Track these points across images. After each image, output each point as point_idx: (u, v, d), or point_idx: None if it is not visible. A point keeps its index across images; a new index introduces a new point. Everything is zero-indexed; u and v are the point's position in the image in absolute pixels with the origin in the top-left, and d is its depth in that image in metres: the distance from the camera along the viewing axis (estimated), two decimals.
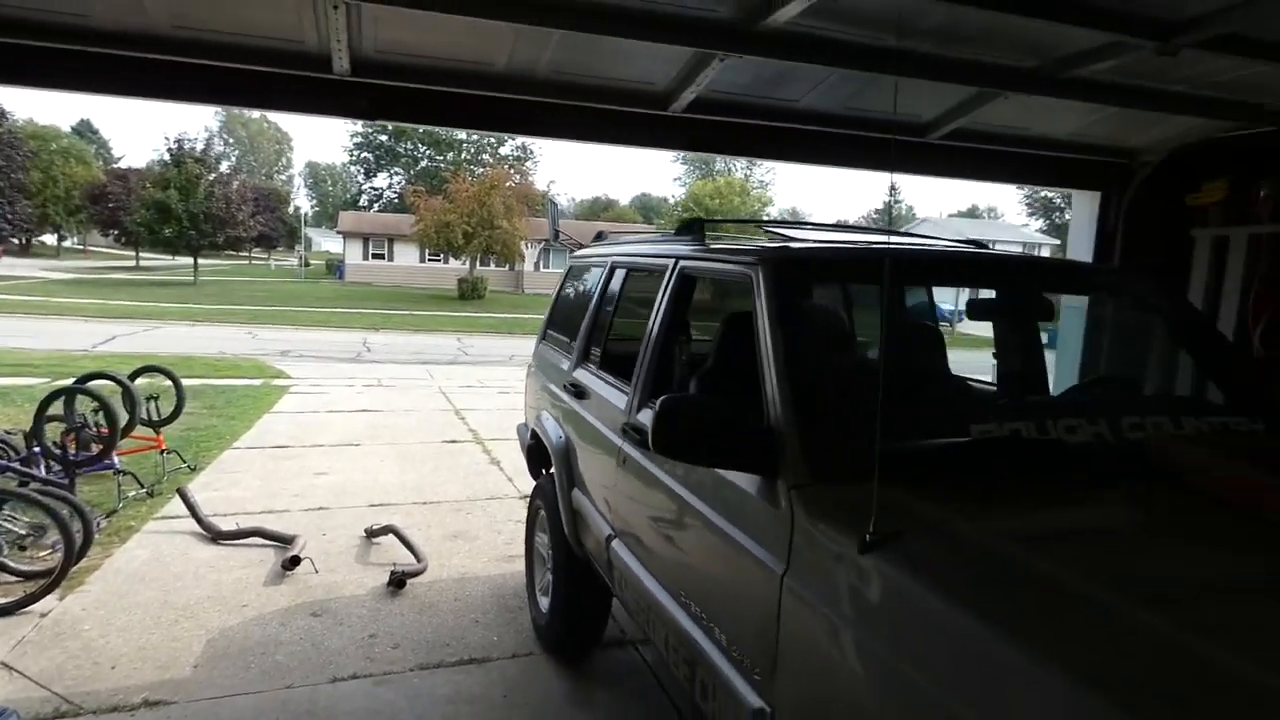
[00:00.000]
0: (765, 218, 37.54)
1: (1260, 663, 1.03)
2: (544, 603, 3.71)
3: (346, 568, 4.61)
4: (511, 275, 39.16)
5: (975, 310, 2.83)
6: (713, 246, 2.53)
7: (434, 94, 3.15)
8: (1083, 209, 4.32)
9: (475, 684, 3.34)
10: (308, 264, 50.73)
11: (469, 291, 33.88)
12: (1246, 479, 1.54)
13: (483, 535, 5.31)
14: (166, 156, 36.55)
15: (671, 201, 45.85)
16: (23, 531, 4.17)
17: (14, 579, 4.07)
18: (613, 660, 3.63)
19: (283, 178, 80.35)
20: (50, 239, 55.97)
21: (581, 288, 3.84)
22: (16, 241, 45.52)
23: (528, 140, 54.45)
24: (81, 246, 59.73)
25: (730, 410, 1.75)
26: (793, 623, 1.55)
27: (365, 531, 5.12)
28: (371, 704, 3.15)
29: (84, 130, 66.53)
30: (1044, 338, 2.95)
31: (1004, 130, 3.66)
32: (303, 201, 69.71)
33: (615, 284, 3.26)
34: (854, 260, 2.30)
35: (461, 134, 55.44)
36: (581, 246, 8.96)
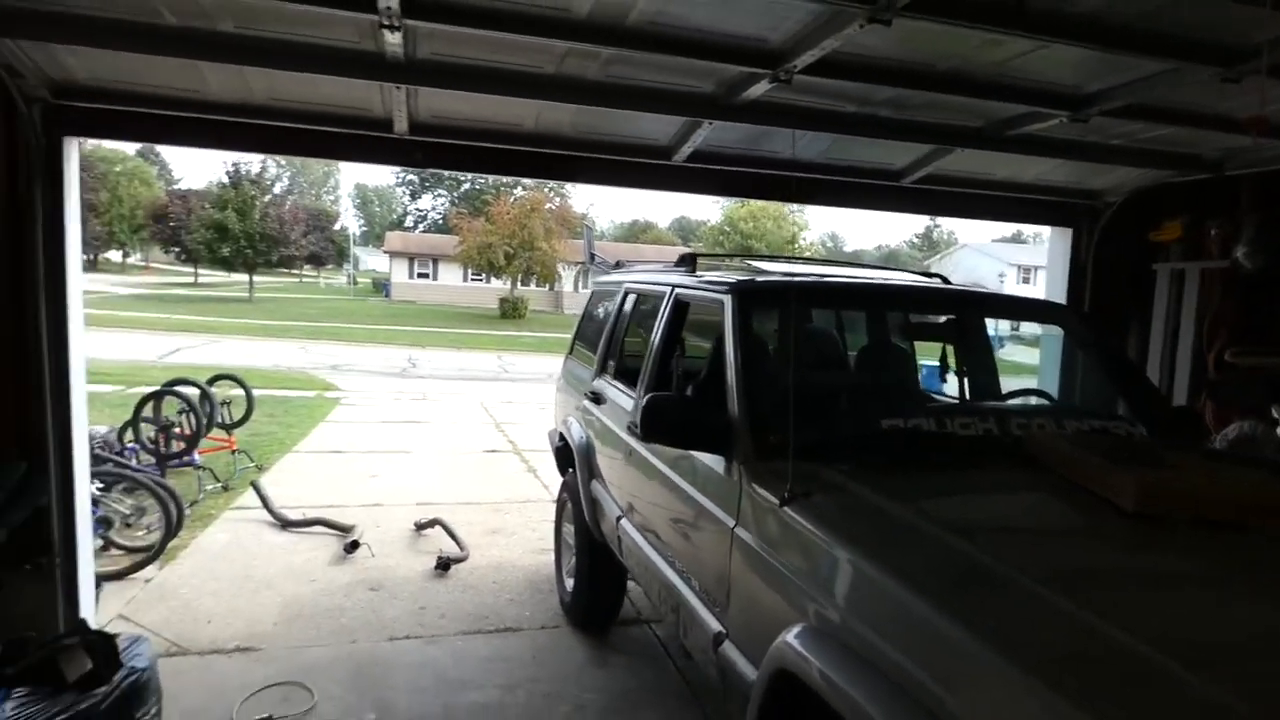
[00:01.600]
0: (800, 242, 37.88)
1: (1003, 561, 1.58)
2: (569, 584, 4.28)
3: (399, 554, 5.24)
4: (551, 295, 40.14)
5: (912, 332, 3.41)
6: (702, 276, 3.12)
7: (476, 148, 3.80)
8: (1058, 243, 4.78)
9: (509, 647, 3.93)
10: (356, 282, 52.52)
11: (510, 311, 34.88)
12: (1085, 459, 2.04)
13: (519, 531, 5.91)
14: (225, 179, 38.45)
15: (710, 224, 46.62)
16: (127, 512, 4.89)
17: (121, 552, 4.79)
18: (628, 635, 4.18)
19: (331, 198, 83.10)
20: (116, 256, 58.90)
21: (602, 309, 4.44)
22: (86, 258, 48.12)
23: None
24: (144, 263, 62.62)
25: (699, 407, 2.32)
26: (739, 561, 2.11)
27: (414, 524, 5.75)
28: (422, 659, 3.75)
29: (146, 153, 69.86)
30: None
31: (972, 176, 4.18)
32: (350, 222, 72.05)
33: (628, 306, 3.86)
34: (798, 290, 2.86)
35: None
36: (613, 268, 9.56)
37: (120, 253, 58.14)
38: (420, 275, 42.68)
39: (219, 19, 2.68)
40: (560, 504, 4.51)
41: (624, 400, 3.40)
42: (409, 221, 62.41)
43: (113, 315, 25.49)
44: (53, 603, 3.34)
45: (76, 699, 2.57)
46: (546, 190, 39.23)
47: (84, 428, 3.58)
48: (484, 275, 37.92)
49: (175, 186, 56.36)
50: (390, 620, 4.16)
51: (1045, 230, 5.19)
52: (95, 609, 3.71)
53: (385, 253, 45.43)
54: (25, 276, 3.28)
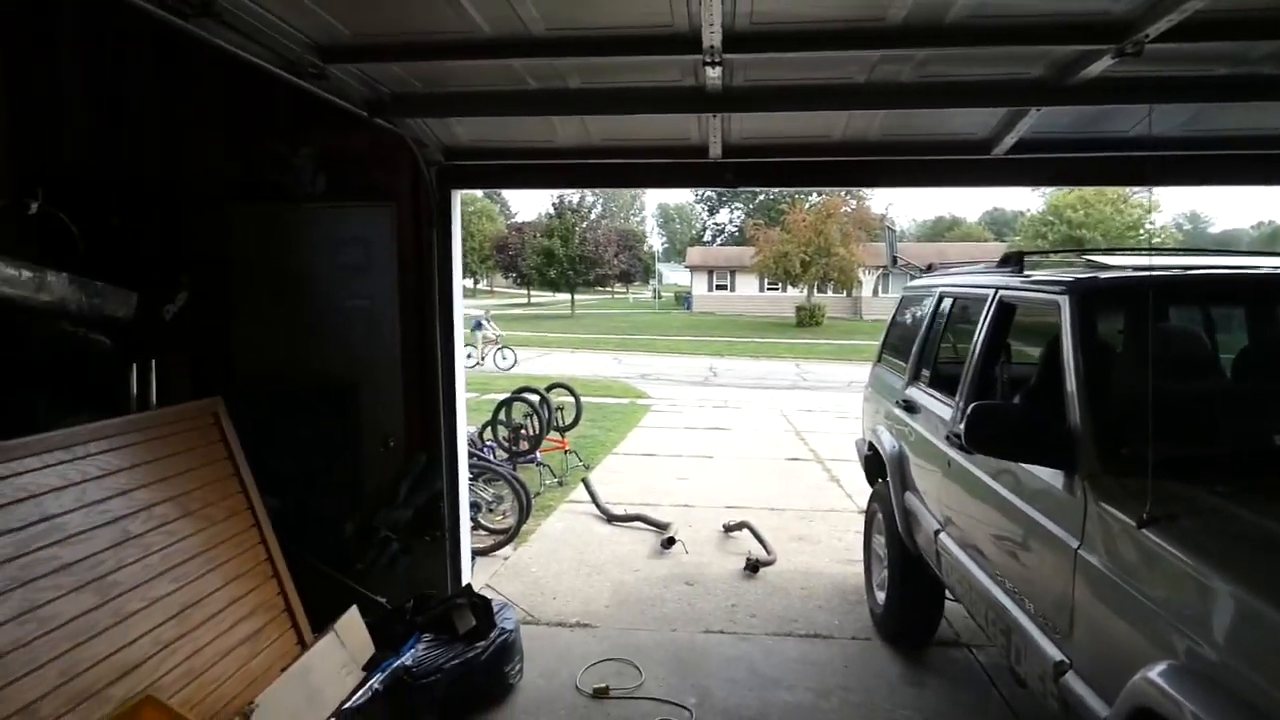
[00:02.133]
0: (1148, 226, 32.38)
1: None
2: (880, 596, 4.19)
3: (710, 552, 5.54)
4: (849, 302, 39.14)
5: None
6: (1030, 276, 2.88)
7: (784, 164, 3.92)
8: None
9: (819, 653, 3.96)
10: (660, 296, 56.11)
11: (806, 319, 34.68)
12: None
13: (824, 540, 5.90)
14: (551, 210, 43.66)
15: (1029, 214, 41.87)
16: (489, 499, 5.82)
17: (485, 532, 5.71)
18: (946, 656, 3.97)
19: (637, 219, 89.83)
20: (469, 282, 70.02)
21: (913, 315, 4.29)
22: None
23: None
24: (489, 288, 73.48)
25: (1034, 415, 2.16)
26: (1084, 587, 1.92)
27: (723, 526, 6.03)
28: (735, 653, 3.94)
29: (491, 195, 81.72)
30: None
31: None
32: (654, 240, 77.23)
33: (943, 311, 3.69)
34: (1152, 286, 2.48)
35: None
36: (923, 271, 9.17)
37: (471, 280, 68.64)
38: (719, 287, 44.32)
39: (569, 77, 3.13)
40: (870, 515, 4.43)
41: (941, 409, 3.26)
42: (707, 236, 65.22)
43: (467, 334, 30.17)
44: (442, 569, 4.11)
45: (464, 649, 3.15)
46: (843, 194, 38.38)
47: (464, 427, 4.35)
48: (780, 284, 38.22)
49: (513, 220, 65.16)
50: (705, 614, 4.42)
51: None
52: (471, 577, 4.48)
53: (686, 267, 47.98)
54: (425, 303, 4.10)
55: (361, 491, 4.08)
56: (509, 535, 5.45)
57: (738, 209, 62.62)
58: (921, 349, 3.81)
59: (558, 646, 3.95)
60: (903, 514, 3.70)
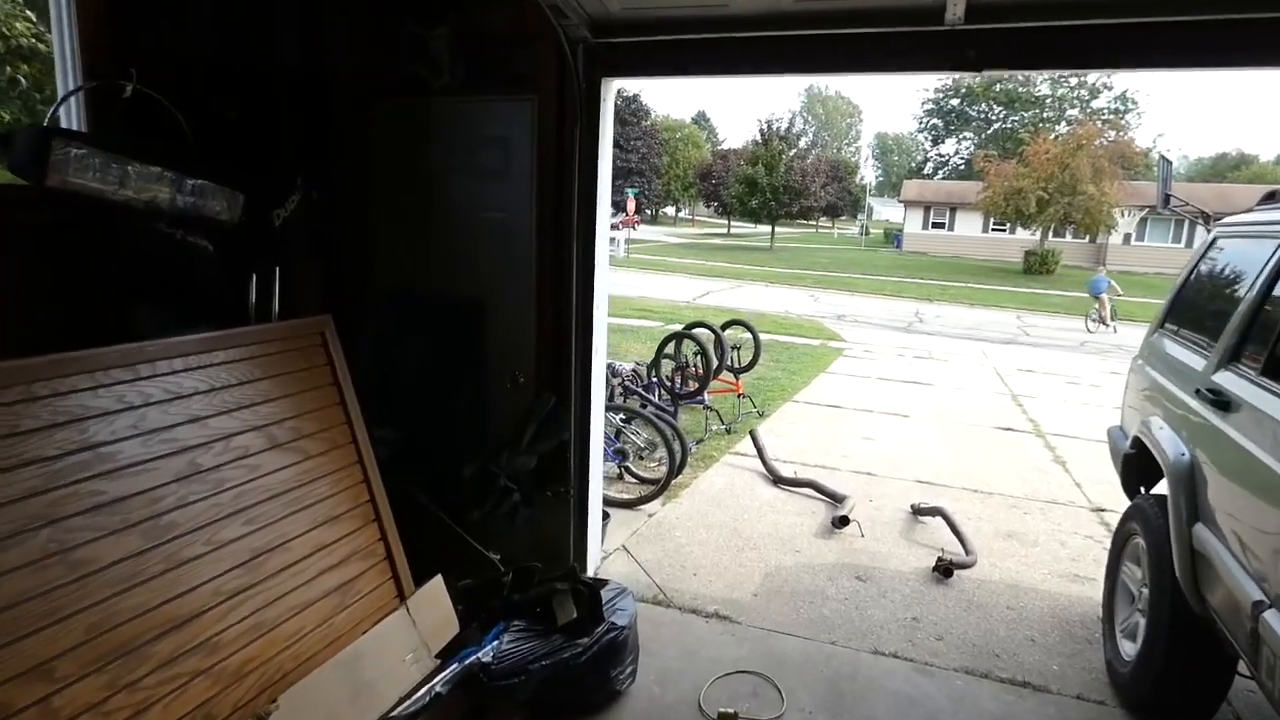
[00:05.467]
0: None
1: None
2: (1127, 648, 3.07)
3: (892, 540, 4.58)
4: (1092, 248, 34.04)
5: None
6: None
7: (1046, 31, 2.71)
8: None
9: (1029, 712, 2.96)
10: (867, 232, 52.59)
11: (1036, 265, 30.65)
12: None
13: (1042, 542, 4.71)
14: (758, 137, 41.66)
15: None
16: (642, 444, 5.21)
17: (634, 481, 5.13)
18: None
19: (851, 149, 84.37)
20: (670, 210, 69.68)
21: (1232, 267, 2.96)
22: (649, 212, 57.85)
23: (1131, 88, 46.14)
24: (690, 217, 72.89)
25: None
26: None
27: (911, 508, 5.02)
28: (911, 690, 3.04)
29: (699, 120, 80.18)
30: None
31: None
32: (868, 172, 72.19)
33: None
34: None
35: (1045, 89, 49.91)
36: (1204, 215, 7.14)
37: (674, 208, 68.50)
38: (935, 225, 40.48)
39: None
40: (1124, 536, 3.26)
41: None
42: (929, 169, 59.58)
43: (663, 261, 29.96)
44: (565, 529, 3.55)
45: (560, 645, 2.55)
46: (1099, 123, 32.97)
47: (602, 365, 3.70)
48: (1008, 225, 34.01)
49: (719, 148, 63.63)
50: (876, 625, 3.54)
51: None
52: (602, 539, 3.90)
53: (900, 202, 44.24)
54: (564, 217, 3.43)
55: (484, 430, 3.58)
56: (659, 488, 4.83)
57: (967, 139, 56.37)
58: (1251, 319, 2.54)
59: (687, 642, 3.27)
60: (1187, 554, 2.55)
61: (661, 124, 54.08)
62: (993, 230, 36.67)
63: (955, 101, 55.63)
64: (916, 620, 3.61)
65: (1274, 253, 2.55)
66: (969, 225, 38.17)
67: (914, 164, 64.77)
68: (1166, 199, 7.23)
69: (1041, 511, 5.27)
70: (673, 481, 4.93)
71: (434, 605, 2.60)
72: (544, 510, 3.50)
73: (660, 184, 50.63)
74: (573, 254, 3.46)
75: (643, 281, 21.33)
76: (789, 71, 3.28)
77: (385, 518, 3.00)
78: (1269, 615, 1.96)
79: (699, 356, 6.52)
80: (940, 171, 57.60)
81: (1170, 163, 9.17)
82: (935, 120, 58.69)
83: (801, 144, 49.04)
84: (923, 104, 59.35)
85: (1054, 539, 4.78)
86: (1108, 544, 4.49)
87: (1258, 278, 2.58)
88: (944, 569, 4.09)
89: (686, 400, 6.44)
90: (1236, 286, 2.78)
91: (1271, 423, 2.16)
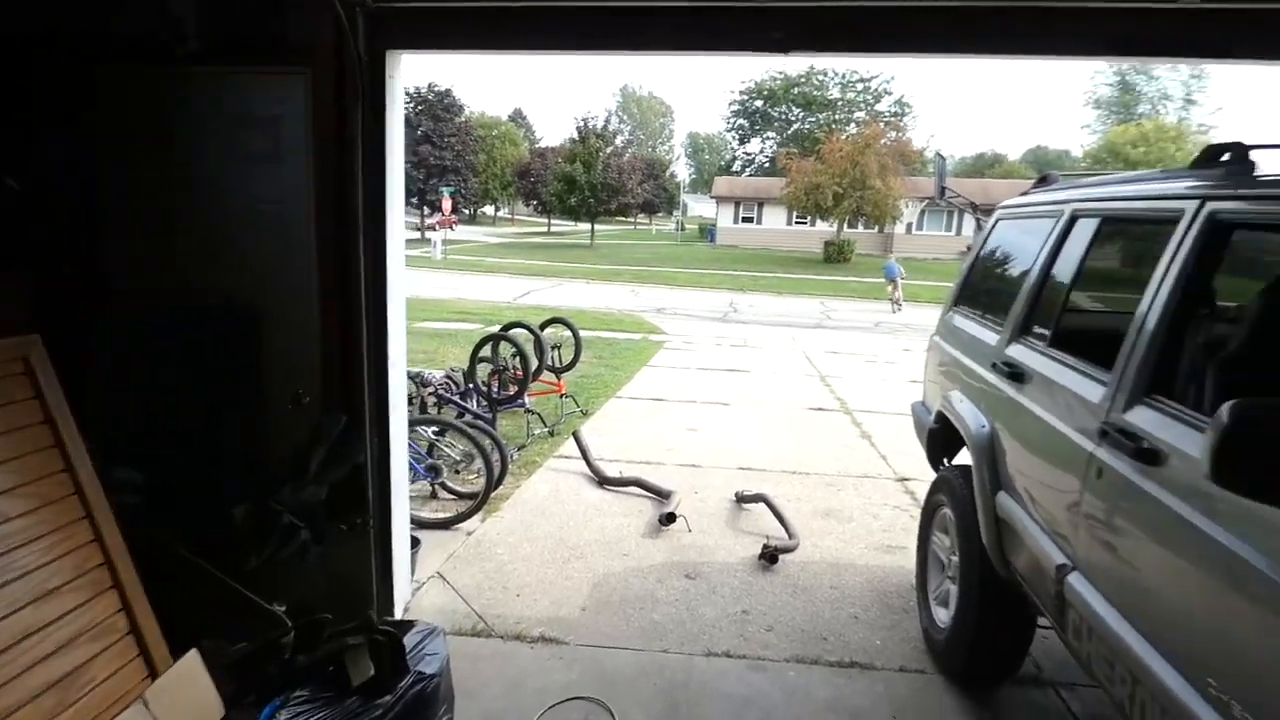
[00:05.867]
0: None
1: None
2: (941, 615, 3.17)
3: (718, 531, 4.54)
4: (880, 238, 37.33)
5: None
6: (1269, 179, 1.72)
7: (868, 10, 2.68)
8: None
9: (858, 694, 2.96)
10: (683, 228, 54.36)
11: (835, 255, 33.14)
12: None
13: (856, 517, 4.89)
14: (575, 134, 41.70)
15: (1076, 154, 39.25)
16: (458, 457, 4.82)
17: (451, 498, 4.74)
18: (1028, 702, 2.96)
19: (665, 148, 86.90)
20: (489, 210, 68.06)
21: (1015, 245, 3.13)
22: (466, 211, 56.14)
23: (906, 95, 51.10)
24: (510, 215, 71.67)
25: None
26: None
27: (736, 496, 5.03)
28: (745, 691, 2.95)
29: (516, 117, 79.05)
30: None
31: None
32: (681, 169, 74.61)
33: (1077, 238, 2.52)
34: None
35: (836, 92, 54.14)
36: (973, 205, 7.73)
37: (493, 207, 67.07)
38: (745, 219, 42.59)
39: None
40: (932, 508, 3.37)
41: (1079, 384, 2.15)
42: (737, 166, 62.63)
43: (482, 261, 29.14)
44: (366, 565, 3.13)
45: (357, 710, 2.17)
46: (882, 124, 36.17)
47: (402, 376, 3.31)
48: (809, 218, 36.49)
49: (537, 145, 63.02)
50: (707, 624, 3.43)
51: None
52: (412, 570, 3.51)
53: (713, 198, 46.10)
54: (348, 213, 3.00)
55: (261, 460, 3.06)
56: (478, 502, 4.47)
57: (770, 138, 59.86)
58: (1037, 293, 2.66)
59: (511, 674, 2.98)
60: (992, 521, 2.63)
61: (477, 121, 52.61)
62: (796, 223, 39.16)
63: (759, 103, 58.88)
64: (746, 613, 3.56)
65: (1051, 230, 2.69)
66: (775, 219, 40.54)
67: (724, 162, 67.82)
68: (942, 191, 7.80)
69: (854, 486, 5.49)
70: (493, 494, 4.60)
71: (187, 687, 2.13)
72: (340, 546, 3.05)
73: (478, 183, 49.29)
74: (359, 251, 3.04)
75: (461, 283, 20.56)
76: (587, 48, 3.06)
77: (128, 582, 2.44)
78: (1072, 578, 2.01)
79: (517, 358, 6.20)
80: (748, 169, 60.75)
81: (945, 159, 10.02)
82: (742, 120, 61.80)
83: (618, 142, 49.83)
84: (730, 104, 62.36)
85: (867, 513, 4.97)
86: (915, 513, 4.73)
87: (1039, 255, 2.72)
88: (769, 555, 4.09)
89: (506, 405, 6.11)
90: (1020, 264, 2.93)
91: (1061, 391, 2.24)
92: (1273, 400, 1.13)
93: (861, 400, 8.41)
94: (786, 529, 4.48)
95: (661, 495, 4.91)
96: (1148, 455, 1.71)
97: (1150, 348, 1.83)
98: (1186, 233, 1.83)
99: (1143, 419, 1.78)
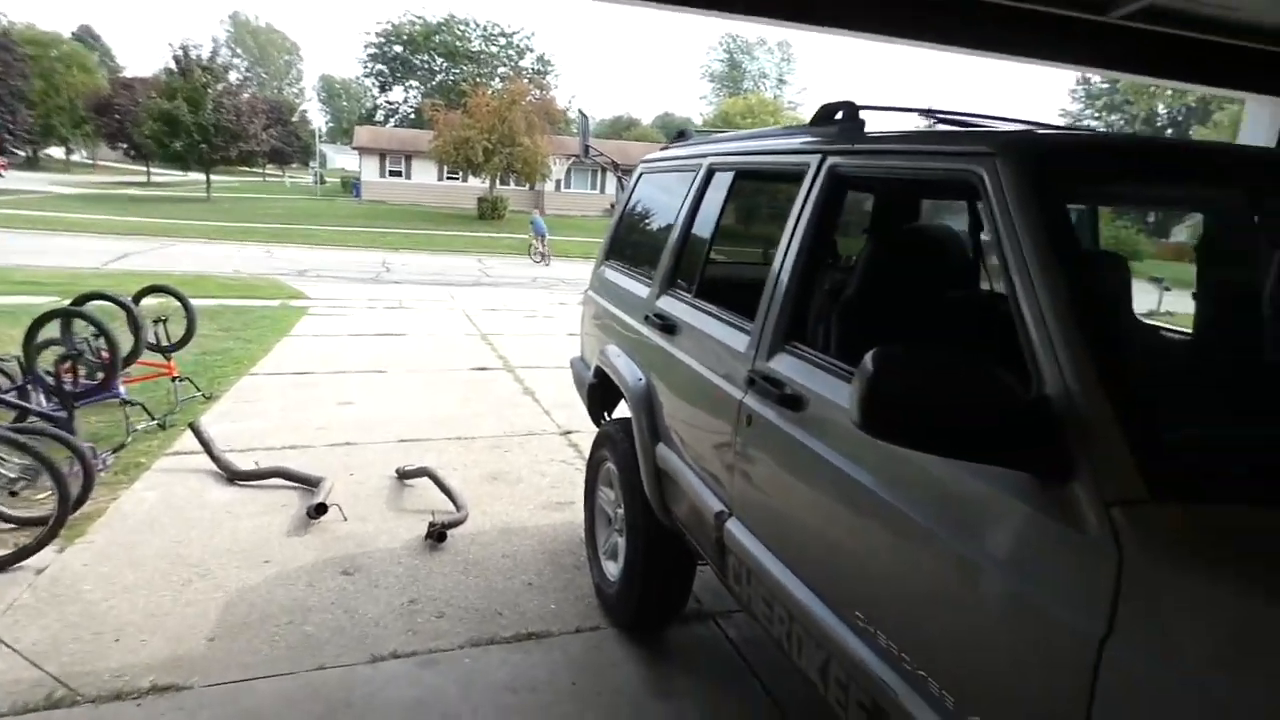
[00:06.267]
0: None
1: None
2: (611, 568, 3.20)
3: (379, 514, 4.12)
4: (532, 195, 38.06)
5: None
6: (884, 135, 1.87)
7: None
8: (1260, 118, 3.52)
9: (537, 666, 2.86)
10: (323, 181, 49.71)
11: (489, 211, 32.98)
12: None
13: (525, 477, 4.81)
14: (173, 65, 35.21)
15: (698, 122, 43.94)
16: (13, 475, 3.68)
17: (8, 526, 3.61)
18: (692, 638, 3.14)
19: (294, 90, 78.17)
20: (58, 152, 54.86)
21: (658, 198, 3.18)
22: (21, 154, 44.44)
23: (548, 53, 52.41)
24: (91, 161, 58.70)
25: (1001, 376, 1.13)
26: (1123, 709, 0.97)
27: (397, 472, 4.63)
28: (418, 692, 2.67)
29: (85, 37, 64.43)
30: None
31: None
32: (317, 116, 67.83)
33: (716, 191, 2.60)
34: (1166, 155, 1.60)
35: (477, 45, 53.35)
36: (614, 163, 7.95)
37: (63, 149, 54.29)
38: (393, 173, 40.27)
39: None
40: (596, 463, 3.37)
41: (725, 334, 2.20)
42: (379, 116, 58.65)
43: (56, 217, 23.48)
44: None
45: None
46: (526, 81, 36.54)
47: None
48: (460, 173, 35.72)
49: (120, 74, 52.10)
50: (371, 624, 3.06)
51: None
52: None
53: (354, 149, 42.66)
54: None
55: None
56: (49, 529, 3.44)
57: (414, 88, 57.03)
58: (681, 246, 2.71)
59: None
60: (653, 472, 2.67)
61: (23, 35, 41.57)
62: (447, 179, 38.11)
63: (399, 48, 55.56)
64: (414, 603, 3.25)
65: (691, 184, 2.75)
66: (425, 173, 38.98)
67: (364, 110, 63.04)
68: (587, 149, 7.93)
69: (520, 446, 5.42)
70: (75, 514, 3.60)
71: None
72: None
73: (34, 117, 39.22)
74: None
75: (26, 245, 16.28)
76: None
77: None
78: (730, 524, 2.07)
79: (100, 339, 4.93)
80: (392, 119, 57.35)
81: (588, 118, 10.30)
82: (381, 66, 57.85)
83: (232, 78, 43.25)
84: (366, 47, 57.83)
85: (534, 471, 4.93)
86: (581, 466, 4.81)
87: (681, 208, 2.77)
88: (437, 534, 3.81)
89: (91, 399, 4.85)
90: (664, 217, 2.98)
91: (710, 341, 2.30)
92: (911, 347, 1.15)
93: (523, 357, 8.40)
94: (454, 501, 4.23)
95: (310, 484, 4.31)
96: (791, 401, 1.78)
97: (786, 297, 1.92)
98: (812, 186, 1.94)
99: (784, 366, 1.86)
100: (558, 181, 37.69)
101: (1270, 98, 3.44)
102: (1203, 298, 1.82)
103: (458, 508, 4.15)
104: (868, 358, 1.17)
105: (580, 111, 7.69)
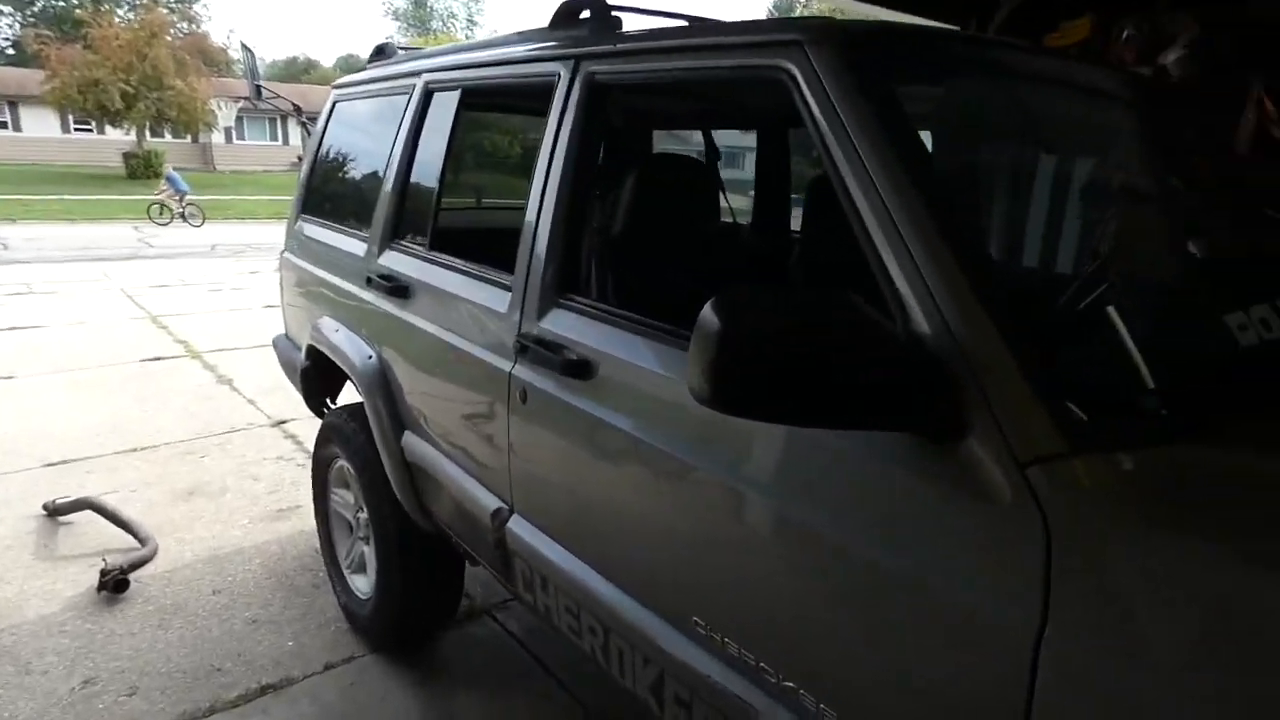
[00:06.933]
0: None
1: None
2: (360, 583, 2.68)
3: (23, 571, 3.10)
4: (197, 149, 32.72)
5: None
6: (651, 31, 1.54)
7: None
8: None
9: None
10: None
11: (140, 169, 27.66)
12: None
13: (232, 485, 3.97)
14: None
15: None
16: None
17: None
18: (468, 641, 2.74)
19: None
20: None
21: (364, 130, 2.58)
22: None
23: None
24: None
25: (879, 316, 0.88)
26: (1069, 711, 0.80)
27: (45, 508, 3.54)
28: None
29: None
30: None
31: None
32: None
33: (439, 117, 2.10)
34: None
35: None
36: (296, 108, 6.92)
37: None
38: None
39: None
40: (325, 460, 2.76)
41: (479, 293, 1.77)
42: None
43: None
44: None
45: None
46: (167, 10, 30.89)
47: None
48: (95, 124, 29.44)
49: None
50: None
51: None
52: None
53: None
54: None
55: None
56: None
57: (7, 14, 45.45)
58: (402, 190, 2.18)
59: None
60: (401, 467, 2.19)
61: None
62: (76, 131, 31.30)
63: None
64: (90, 683, 2.45)
65: (404, 111, 2.22)
66: (44, 125, 31.60)
67: None
68: (258, 90, 6.71)
69: (220, 448, 4.49)
70: None
71: None
72: None
73: None
74: None
75: None
76: None
77: None
78: (514, 524, 1.70)
79: None
80: None
81: (253, 52, 8.77)
82: None
83: None
84: None
85: (244, 476, 4.09)
86: (303, 460, 4.09)
87: (396, 141, 2.23)
88: (113, 582, 2.93)
89: None
90: (376, 153, 2.40)
91: (459, 303, 1.85)
92: (759, 288, 0.86)
93: (212, 339, 7.08)
94: (134, 534, 3.32)
95: None
96: (576, 368, 1.44)
97: (553, 239, 1.55)
98: (567, 100, 1.57)
99: (561, 325, 1.51)
100: (228, 130, 32.73)
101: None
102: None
103: (141, 542, 3.26)
104: (708, 309, 0.86)
105: (244, 45, 6.49)
